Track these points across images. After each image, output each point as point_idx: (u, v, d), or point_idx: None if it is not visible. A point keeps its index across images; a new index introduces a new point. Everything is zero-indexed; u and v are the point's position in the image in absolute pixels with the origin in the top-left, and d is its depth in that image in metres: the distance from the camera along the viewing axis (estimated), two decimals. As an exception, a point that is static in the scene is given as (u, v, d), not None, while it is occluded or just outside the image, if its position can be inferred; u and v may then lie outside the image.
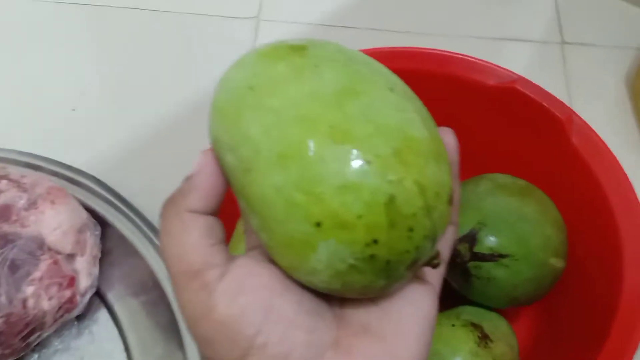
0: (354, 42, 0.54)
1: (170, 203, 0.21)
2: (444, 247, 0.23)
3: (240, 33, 0.54)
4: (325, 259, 0.19)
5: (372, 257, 0.18)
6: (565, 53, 0.54)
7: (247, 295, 0.19)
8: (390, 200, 0.18)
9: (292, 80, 0.20)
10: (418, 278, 0.21)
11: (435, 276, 0.22)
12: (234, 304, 0.19)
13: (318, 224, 0.18)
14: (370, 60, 0.22)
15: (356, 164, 0.18)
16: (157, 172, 0.45)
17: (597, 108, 0.53)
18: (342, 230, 0.18)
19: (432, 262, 0.20)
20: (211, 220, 0.21)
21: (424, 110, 0.21)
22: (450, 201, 0.20)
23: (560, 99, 0.39)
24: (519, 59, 0.55)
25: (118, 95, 0.51)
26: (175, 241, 0.20)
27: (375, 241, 0.18)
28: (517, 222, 0.34)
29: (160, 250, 0.23)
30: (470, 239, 0.34)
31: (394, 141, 0.19)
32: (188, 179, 0.21)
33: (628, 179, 0.37)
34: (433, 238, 0.19)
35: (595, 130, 0.51)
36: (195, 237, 0.20)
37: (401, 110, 0.20)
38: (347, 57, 0.21)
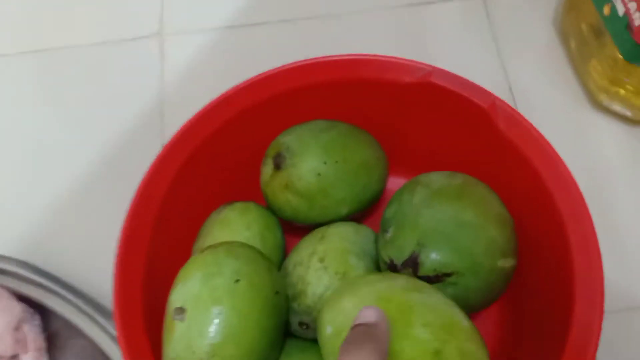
0: (268, 40, 0.52)
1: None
2: None
3: (145, 55, 0.50)
4: None
5: None
6: (488, 7, 0.52)
7: None
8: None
9: None
10: None
11: None
12: None
13: None
14: None
15: None
16: (86, 240, 0.43)
17: (528, 58, 0.51)
18: None
19: None
20: None
21: None
22: None
23: (483, 88, 0.37)
24: (441, 21, 0.52)
25: (27, 161, 0.47)
26: None
27: None
28: (457, 234, 0.33)
29: None
30: (413, 263, 0.33)
31: None
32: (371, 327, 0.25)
33: (559, 157, 0.36)
34: None
35: (531, 88, 0.50)
36: None
37: None
38: None
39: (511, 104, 0.49)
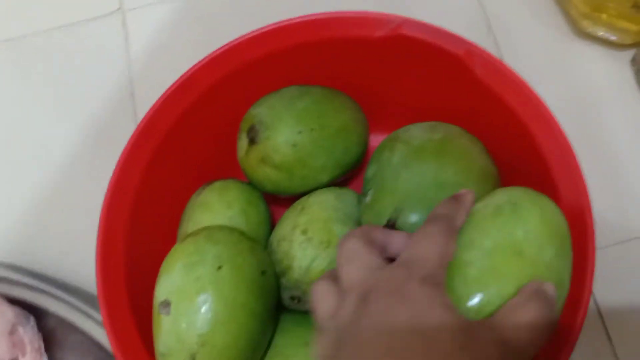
0: (231, 2, 0.49)
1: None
2: None
3: (109, 34, 0.48)
4: None
5: None
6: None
7: None
8: None
9: None
10: None
11: None
12: None
13: None
14: None
15: None
16: (69, 233, 0.42)
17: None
18: None
19: None
20: None
21: None
22: None
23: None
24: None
25: (3, 155, 0.46)
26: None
27: None
28: (436, 194, 0.32)
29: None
30: (391, 229, 0.32)
31: None
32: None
33: (538, 97, 0.35)
34: None
35: (512, 19, 0.48)
36: None
37: None
38: None
39: (492, 40, 0.48)
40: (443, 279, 0.25)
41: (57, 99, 0.47)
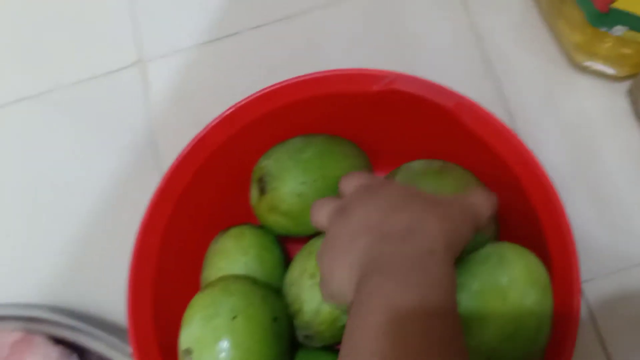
0: (242, 49, 0.53)
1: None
2: None
3: (130, 84, 0.52)
4: None
5: None
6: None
7: None
8: None
9: None
10: None
11: None
12: None
13: None
14: None
15: None
16: (105, 273, 0.46)
17: (502, 22, 0.51)
18: None
19: None
20: None
21: None
22: None
23: (446, 87, 0.38)
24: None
25: (35, 210, 0.50)
26: None
27: None
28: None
29: None
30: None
31: None
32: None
33: (523, 145, 0.37)
34: None
35: (506, 52, 0.50)
36: None
37: None
38: None
39: (489, 70, 0.49)
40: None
41: (81, 150, 0.51)
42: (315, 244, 0.39)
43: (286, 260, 0.42)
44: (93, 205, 0.49)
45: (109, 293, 0.45)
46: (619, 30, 0.43)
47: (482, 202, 0.32)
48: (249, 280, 0.36)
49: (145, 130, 0.50)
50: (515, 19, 0.51)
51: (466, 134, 0.38)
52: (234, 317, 0.33)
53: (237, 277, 0.36)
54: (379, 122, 0.42)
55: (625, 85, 0.48)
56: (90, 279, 0.47)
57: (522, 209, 0.37)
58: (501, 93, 0.49)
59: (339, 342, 0.37)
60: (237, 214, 0.43)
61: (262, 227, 0.42)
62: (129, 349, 0.41)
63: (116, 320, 0.45)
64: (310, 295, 0.37)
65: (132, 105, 0.51)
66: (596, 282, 0.44)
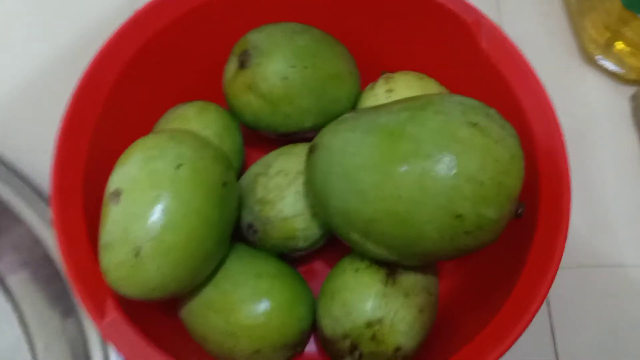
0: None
1: None
2: None
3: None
4: None
5: None
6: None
7: None
8: None
9: None
10: None
11: None
12: None
13: None
14: None
15: None
16: (37, 126, 0.40)
17: (526, 5, 0.49)
18: None
19: None
20: None
21: None
22: None
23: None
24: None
25: None
26: None
27: None
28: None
29: None
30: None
31: None
32: None
33: (541, 85, 0.34)
34: None
35: (525, 35, 0.48)
36: None
37: None
38: None
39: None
40: None
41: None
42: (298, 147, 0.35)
43: (243, 155, 0.38)
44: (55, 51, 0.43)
45: (36, 146, 0.40)
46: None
47: None
48: (203, 138, 0.31)
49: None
50: (538, 4, 0.50)
51: (478, 57, 0.35)
52: (179, 165, 0.28)
53: (190, 131, 0.31)
54: (381, 31, 0.38)
55: (632, 89, 0.47)
56: (19, 127, 0.41)
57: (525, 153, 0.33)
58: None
59: (271, 252, 0.33)
60: (203, 94, 0.38)
61: (228, 112, 0.37)
62: (38, 200, 0.35)
63: (33, 175, 0.38)
64: (294, 200, 0.33)
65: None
66: (563, 271, 0.41)
